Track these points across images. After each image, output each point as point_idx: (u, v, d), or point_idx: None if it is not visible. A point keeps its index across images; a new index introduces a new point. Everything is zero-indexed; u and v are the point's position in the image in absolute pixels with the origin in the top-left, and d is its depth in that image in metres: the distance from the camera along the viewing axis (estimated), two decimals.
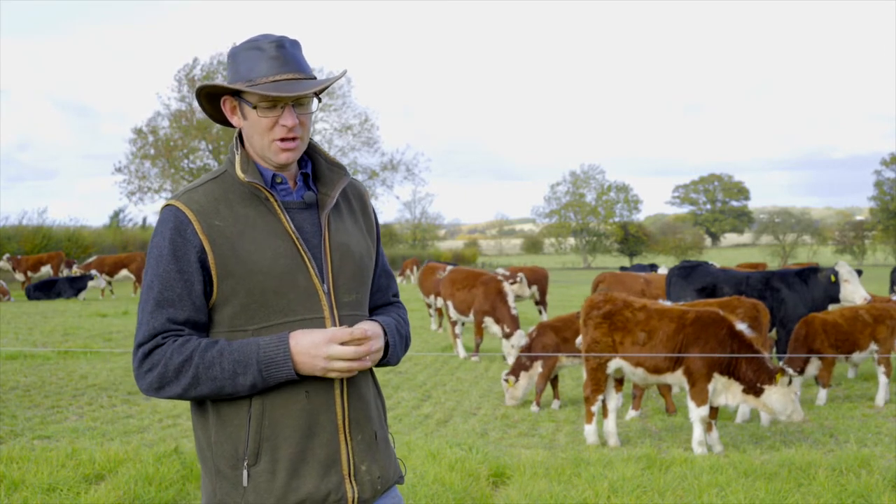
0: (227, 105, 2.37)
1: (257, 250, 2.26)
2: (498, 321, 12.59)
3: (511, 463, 6.41)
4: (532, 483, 5.80)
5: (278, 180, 2.37)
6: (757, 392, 7.32)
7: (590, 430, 7.89)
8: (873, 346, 9.57)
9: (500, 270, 18.35)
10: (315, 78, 2.35)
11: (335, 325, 2.29)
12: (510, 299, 12.70)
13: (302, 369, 2.21)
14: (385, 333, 2.39)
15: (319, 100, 2.42)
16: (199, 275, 2.25)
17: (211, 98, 2.40)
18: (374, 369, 2.48)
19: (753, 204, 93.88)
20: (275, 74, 2.27)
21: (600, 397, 7.87)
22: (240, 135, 2.40)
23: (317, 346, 2.19)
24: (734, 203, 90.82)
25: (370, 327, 2.31)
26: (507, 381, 9.55)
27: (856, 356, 9.61)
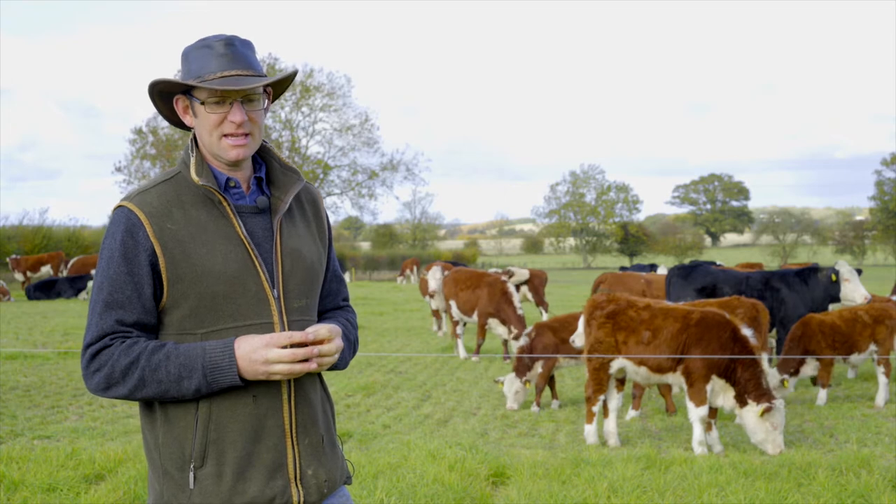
0: (179, 105, 2.38)
1: (208, 254, 2.26)
2: (504, 322, 12.57)
3: (511, 463, 6.41)
4: (532, 483, 5.80)
5: (231, 184, 2.37)
6: (742, 402, 7.32)
7: (590, 429, 7.89)
8: (872, 347, 9.55)
9: (493, 270, 18.31)
10: (261, 74, 2.35)
11: (284, 331, 2.30)
12: (515, 300, 12.69)
13: (245, 374, 2.22)
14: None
15: (269, 97, 2.42)
16: (150, 277, 2.25)
17: (166, 100, 2.40)
18: (324, 373, 2.49)
19: (756, 204, 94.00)
20: (223, 71, 2.28)
21: (602, 397, 7.87)
22: (195, 137, 2.40)
23: (255, 351, 2.20)
24: (734, 203, 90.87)
25: (330, 328, 2.31)
26: (525, 382, 9.44)
27: (854, 358, 9.59)
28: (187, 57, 2.34)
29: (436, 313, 16.92)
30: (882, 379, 9.51)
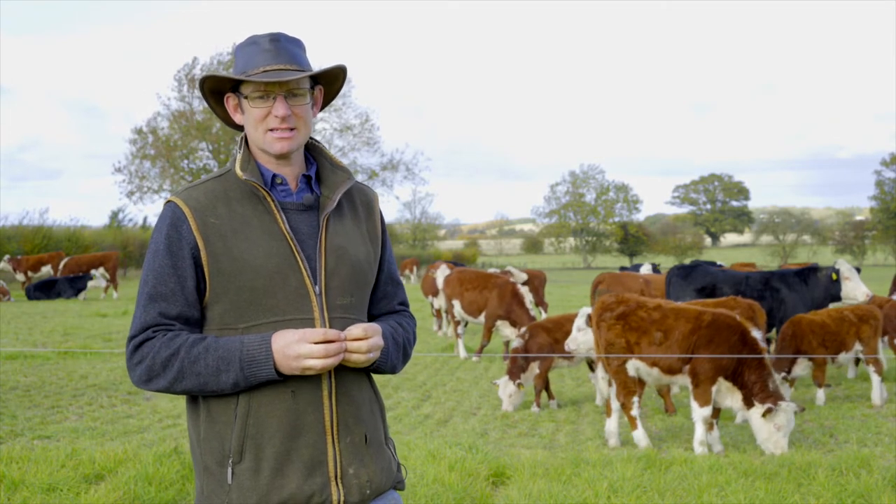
0: (230, 103, 2.42)
1: (249, 249, 2.28)
2: (514, 324, 12.52)
3: (511, 463, 6.41)
4: (532, 483, 5.80)
5: (278, 181, 2.39)
6: (748, 404, 7.32)
7: (638, 435, 7.75)
8: (858, 346, 9.58)
9: (492, 271, 18.29)
10: (306, 70, 2.36)
11: (325, 327, 2.29)
12: (527, 301, 12.66)
13: (281, 369, 2.22)
14: None
15: (318, 95, 2.43)
16: (193, 271, 2.28)
17: (218, 101, 2.45)
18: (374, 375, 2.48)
19: (758, 204, 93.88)
20: (267, 65, 2.30)
21: (635, 399, 7.78)
22: (246, 135, 2.43)
23: (289, 346, 2.20)
24: (734, 203, 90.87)
25: (367, 326, 2.30)
26: (519, 385, 9.44)
27: (842, 357, 9.59)
28: (236, 55, 2.39)
29: (438, 313, 16.90)
30: (875, 378, 9.58)
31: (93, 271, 27.49)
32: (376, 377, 2.78)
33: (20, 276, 28.86)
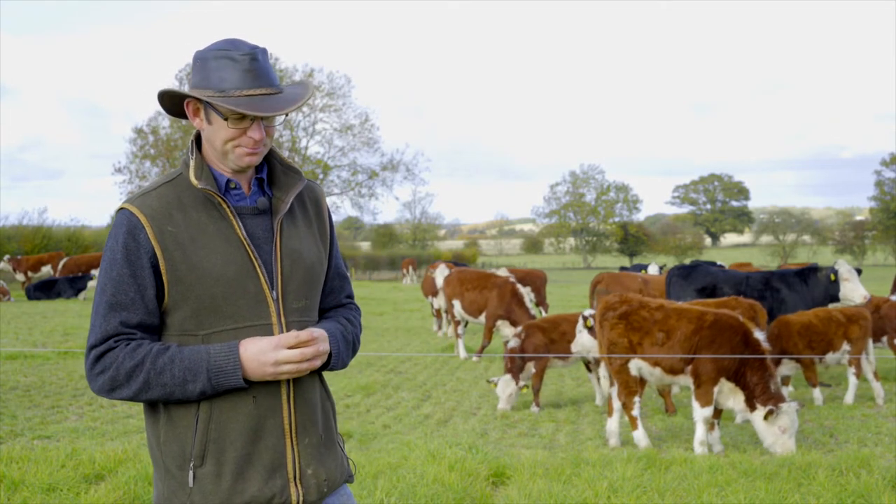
0: (190, 106, 2.36)
1: (208, 256, 2.28)
2: (514, 324, 12.52)
3: (511, 463, 6.41)
4: (532, 483, 5.80)
5: (232, 185, 2.39)
6: (751, 406, 7.33)
7: (638, 435, 7.74)
8: (846, 347, 9.58)
9: (492, 270, 18.30)
10: (281, 91, 2.35)
11: (283, 332, 2.33)
12: (527, 300, 12.66)
13: (252, 376, 2.25)
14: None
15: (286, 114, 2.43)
16: (152, 279, 2.27)
17: (173, 96, 2.40)
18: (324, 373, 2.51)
19: (758, 204, 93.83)
20: (248, 88, 2.27)
21: (636, 399, 7.78)
22: (197, 137, 2.41)
23: (264, 352, 2.23)
24: (734, 203, 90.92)
25: (317, 331, 2.33)
26: (523, 387, 9.43)
27: (829, 357, 9.58)
28: (205, 63, 2.30)
29: (437, 313, 16.90)
30: (852, 379, 9.65)
31: (93, 271, 27.47)
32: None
33: (20, 276, 28.86)
